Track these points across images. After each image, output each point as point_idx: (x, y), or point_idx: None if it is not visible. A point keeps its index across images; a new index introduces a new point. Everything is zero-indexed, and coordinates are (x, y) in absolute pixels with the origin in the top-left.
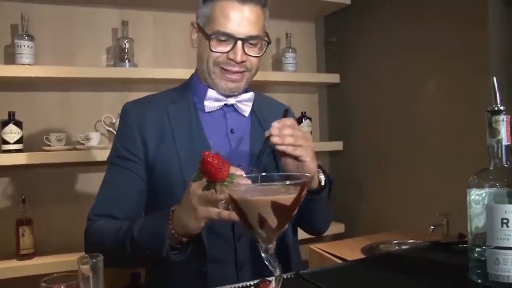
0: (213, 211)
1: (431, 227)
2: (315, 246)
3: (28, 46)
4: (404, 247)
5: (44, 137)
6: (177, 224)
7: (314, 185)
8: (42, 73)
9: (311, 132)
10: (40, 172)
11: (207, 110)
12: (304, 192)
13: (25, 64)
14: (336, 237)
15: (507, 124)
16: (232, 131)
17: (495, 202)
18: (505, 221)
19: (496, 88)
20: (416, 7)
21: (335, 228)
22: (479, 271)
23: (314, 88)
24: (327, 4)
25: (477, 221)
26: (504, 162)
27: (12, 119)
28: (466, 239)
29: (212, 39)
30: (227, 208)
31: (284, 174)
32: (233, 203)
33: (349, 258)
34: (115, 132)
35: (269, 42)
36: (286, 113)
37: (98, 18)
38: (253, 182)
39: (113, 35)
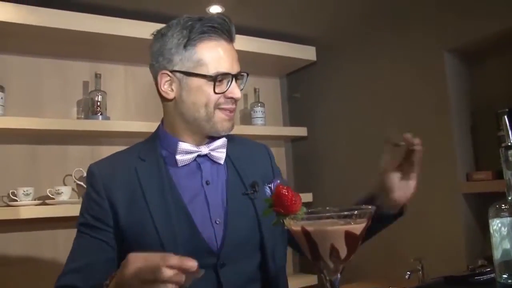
0: None
1: (408, 273)
2: None
3: None
4: None
5: (10, 191)
6: None
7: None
8: (11, 125)
9: None
10: (2, 229)
11: (180, 164)
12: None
13: None
14: None
15: None
16: (207, 182)
17: None
18: None
19: (508, 126)
20: (378, 62)
21: (309, 279)
22: None
23: (281, 141)
24: (295, 60)
25: (502, 248)
26: None
27: None
28: (477, 270)
29: (217, 80)
30: None
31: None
32: (304, 235)
33: None
34: (86, 186)
35: (247, 74)
36: None
37: (68, 70)
38: (317, 215)
39: (84, 88)
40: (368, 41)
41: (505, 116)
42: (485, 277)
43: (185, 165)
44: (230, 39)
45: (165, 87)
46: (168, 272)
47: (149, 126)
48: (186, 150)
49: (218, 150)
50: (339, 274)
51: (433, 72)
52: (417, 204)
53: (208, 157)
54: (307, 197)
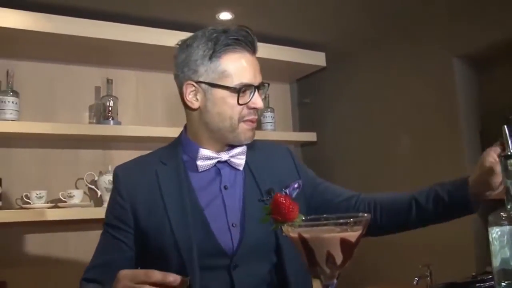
0: None
1: (416, 278)
2: None
3: (12, 102)
4: None
5: (24, 194)
6: None
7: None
8: (25, 129)
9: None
10: (15, 231)
11: (200, 169)
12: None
13: (9, 120)
14: None
15: None
16: (225, 187)
17: None
18: None
19: (508, 135)
20: (388, 67)
21: (315, 285)
22: None
23: (291, 146)
24: (304, 66)
25: (501, 257)
26: None
27: None
28: (479, 277)
29: (242, 92)
30: None
31: (344, 215)
32: (302, 242)
33: None
34: (97, 190)
35: (268, 84)
36: None
37: (80, 76)
38: (313, 222)
39: (96, 93)
40: (377, 47)
41: (505, 126)
42: (486, 284)
43: (205, 170)
44: (253, 51)
45: (190, 97)
46: None
47: (160, 131)
48: (206, 156)
49: (238, 157)
50: (335, 280)
51: (442, 77)
52: None
53: (228, 163)
54: None
